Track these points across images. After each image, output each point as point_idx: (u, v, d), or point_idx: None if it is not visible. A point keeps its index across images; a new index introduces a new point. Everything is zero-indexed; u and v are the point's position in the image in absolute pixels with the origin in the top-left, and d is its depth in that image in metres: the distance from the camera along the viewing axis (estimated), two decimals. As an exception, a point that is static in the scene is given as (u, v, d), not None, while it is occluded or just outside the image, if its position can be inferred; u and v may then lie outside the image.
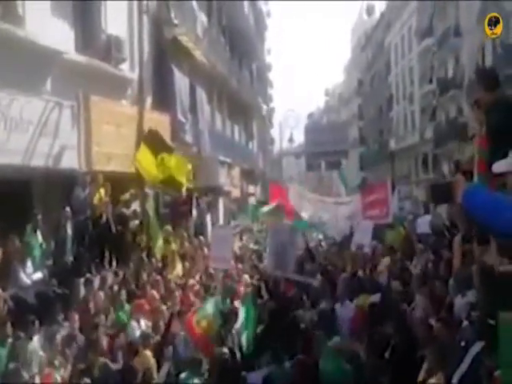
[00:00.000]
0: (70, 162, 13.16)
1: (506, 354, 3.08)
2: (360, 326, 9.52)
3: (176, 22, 20.43)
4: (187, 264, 14.41)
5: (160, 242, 13.98)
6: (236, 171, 32.28)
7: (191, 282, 12.90)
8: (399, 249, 13.72)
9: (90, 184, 13.06)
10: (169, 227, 15.45)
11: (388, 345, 7.54)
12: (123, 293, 11.21)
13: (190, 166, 14.20)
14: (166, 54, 20.25)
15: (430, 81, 47.96)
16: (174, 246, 14.78)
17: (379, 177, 47.89)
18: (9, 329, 8.48)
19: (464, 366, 5.19)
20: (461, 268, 7.98)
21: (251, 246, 20.21)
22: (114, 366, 8.18)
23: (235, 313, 10.94)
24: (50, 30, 12.88)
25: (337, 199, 25.97)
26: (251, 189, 39.87)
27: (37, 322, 8.84)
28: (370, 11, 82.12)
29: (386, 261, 12.86)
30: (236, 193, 32.20)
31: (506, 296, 3.30)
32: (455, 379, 5.18)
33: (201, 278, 13.52)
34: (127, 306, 10.83)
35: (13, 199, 11.45)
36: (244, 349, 9.85)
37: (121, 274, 12.29)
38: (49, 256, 11.88)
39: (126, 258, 13.14)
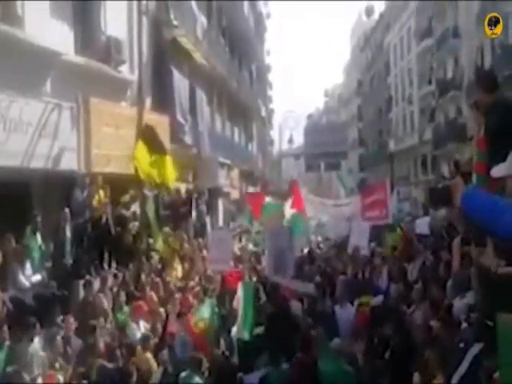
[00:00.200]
0: (70, 163, 13.16)
1: (505, 355, 3.08)
2: (360, 328, 9.55)
3: (175, 23, 20.44)
4: (186, 266, 14.41)
5: (160, 244, 13.98)
6: (235, 172, 32.31)
7: (191, 283, 12.91)
8: (398, 251, 13.74)
9: (89, 186, 13.05)
10: (167, 229, 15.44)
11: (387, 346, 7.55)
12: (122, 294, 11.22)
13: (173, 174, 14.12)
14: (165, 55, 20.26)
15: (429, 82, 48.01)
16: (173, 248, 14.79)
17: (379, 178, 47.86)
18: (6, 332, 8.45)
19: (463, 368, 5.20)
20: (459, 270, 8.00)
21: (250, 246, 20.20)
22: (111, 366, 8.17)
23: (234, 314, 10.97)
24: (50, 32, 12.88)
25: (336, 201, 26.02)
26: (251, 190, 39.87)
27: (38, 324, 8.84)
28: (369, 12, 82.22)
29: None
30: (235, 194, 32.22)
31: (504, 298, 3.31)
32: (454, 381, 5.19)
33: (200, 279, 13.52)
34: (126, 308, 10.84)
35: (12, 201, 11.43)
36: (242, 348, 9.90)
37: (120, 275, 12.29)
38: (48, 258, 11.87)
39: (125, 260, 13.14)
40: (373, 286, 11.99)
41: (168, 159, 13.41)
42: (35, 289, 10.78)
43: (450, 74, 42.78)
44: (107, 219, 13.00)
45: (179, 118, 20.22)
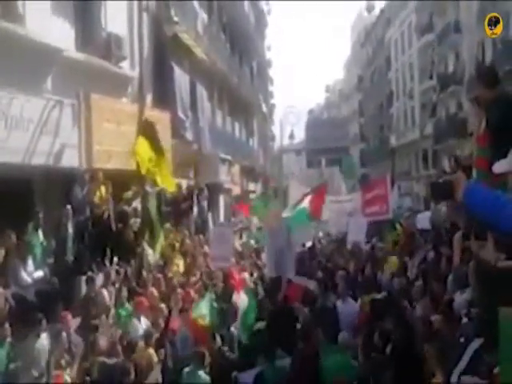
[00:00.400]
0: (71, 160, 13.17)
1: (506, 350, 3.09)
2: (362, 323, 9.57)
3: (176, 19, 20.42)
4: (188, 262, 14.45)
5: (162, 241, 14.00)
6: (236, 168, 32.29)
7: (193, 279, 12.95)
8: (399, 246, 13.77)
9: (88, 182, 13.06)
10: (168, 225, 15.47)
11: (388, 340, 7.56)
12: (124, 290, 11.25)
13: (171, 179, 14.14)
14: (166, 51, 20.25)
15: (430, 77, 47.94)
16: (174, 244, 14.82)
17: (380, 173, 47.87)
18: (7, 329, 8.47)
19: (463, 363, 5.20)
20: (460, 265, 8.01)
21: (252, 242, 20.26)
22: (112, 363, 8.19)
23: (234, 309, 11.03)
24: (50, 28, 12.87)
25: (337, 197, 26.00)
26: (252, 186, 39.88)
27: (44, 320, 8.87)
28: (370, 9, 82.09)
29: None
30: (236, 190, 32.21)
31: (504, 291, 3.32)
32: (454, 377, 5.19)
33: (201, 275, 13.55)
34: (128, 304, 10.87)
35: (13, 198, 11.45)
36: (242, 344, 9.96)
37: (122, 271, 12.32)
38: (50, 254, 11.89)
39: (127, 256, 13.16)
40: (374, 281, 12.01)
41: (166, 161, 13.45)
42: (37, 285, 10.81)
43: (450, 69, 42.72)
44: (109, 215, 13.01)
45: (180, 113, 20.23)
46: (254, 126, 44.97)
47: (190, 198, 18.16)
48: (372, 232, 16.65)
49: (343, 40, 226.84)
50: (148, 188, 13.92)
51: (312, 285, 11.75)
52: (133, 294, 11.27)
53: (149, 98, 18.11)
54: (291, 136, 58.09)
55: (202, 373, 8.38)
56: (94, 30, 15.80)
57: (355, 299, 10.90)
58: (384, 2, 67.91)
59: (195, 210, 18.69)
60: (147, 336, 9.28)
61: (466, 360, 5.11)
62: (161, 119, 17.26)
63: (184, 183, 20.01)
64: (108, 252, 12.98)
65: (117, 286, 11.46)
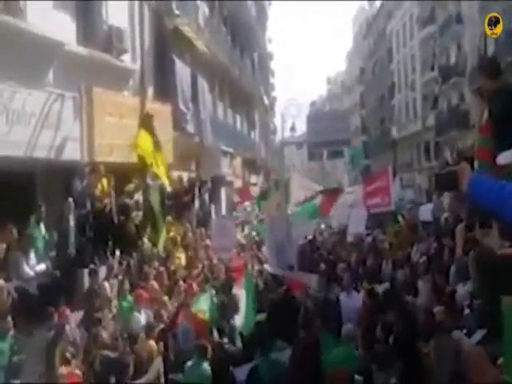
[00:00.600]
0: (73, 153, 13.17)
1: (510, 338, 3.09)
2: (363, 315, 9.59)
3: (177, 12, 20.39)
4: (190, 255, 14.46)
5: (164, 234, 14.02)
6: (238, 161, 32.28)
7: (195, 272, 12.97)
8: (400, 237, 13.78)
9: (88, 175, 13.05)
10: (170, 218, 15.47)
11: (390, 332, 7.58)
12: (127, 283, 11.27)
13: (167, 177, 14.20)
14: (167, 44, 20.22)
15: (432, 68, 47.80)
16: (176, 237, 14.83)
17: (382, 165, 47.80)
18: (10, 322, 8.50)
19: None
20: (462, 256, 8.02)
21: (254, 234, 20.29)
22: (113, 356, 8.21)
23: (235, 301, 11.06)
24: (52, 22, 12.85)
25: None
26: (253, 179, 39.86)
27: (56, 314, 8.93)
28: (371, 1, 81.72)
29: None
30: (238, 183, 32.21)
31: (505, 279, 3.31)
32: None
33: (203, 268, 13.57)
34: (130, 297, 10.89)
35: (15, 191, 11.46)
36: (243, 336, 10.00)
37: (124, 264, 12.34)
38: (52, 247, 11.91)
39: (129, 249, 13.17)
40: (378, 272, 12.02)
41: (162, 157, 13.46)
42: (39, 278, 10.83)
43: (452, 61, 42.58)
44: (111, 208, 13.02)
45: (181, 106, 20.21)
46: (255, 118, 44.91)
47: (191, 191, 18.16)
48: (374, 224, 16.66)
49: (345, 32, 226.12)
50: (149, 181, 13.92)
51: (313, 281, 11.75)
52: (135, 287, 11.30)
53: (150, 91, 18.10)
54: (292, 128, 57.81)
55: (204, 365, 8.41)
56: (96, 24, 15.78)
57: (357, 291, 10.91)
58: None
59: (197, 202, 18.70)
60: (148, 328, 9.30)
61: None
62: (162, 112, 17.26)
63: (185, 176, 20.01)
64: (110, 245, 13.00)
65: (120, 277, 11.48)
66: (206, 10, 26.84)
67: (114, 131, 14.46)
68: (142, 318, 10.14)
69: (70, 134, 13.07)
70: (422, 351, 6.79)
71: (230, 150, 29.61)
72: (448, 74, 42.17)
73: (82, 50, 14.32)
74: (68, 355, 8.10)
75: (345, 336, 8.30)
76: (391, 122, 63.12)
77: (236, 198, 27.17)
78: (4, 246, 10.38)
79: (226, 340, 9.69)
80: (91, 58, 14.57)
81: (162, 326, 9.74)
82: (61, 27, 13.39)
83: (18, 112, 11.47)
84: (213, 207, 21.26)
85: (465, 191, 3.29)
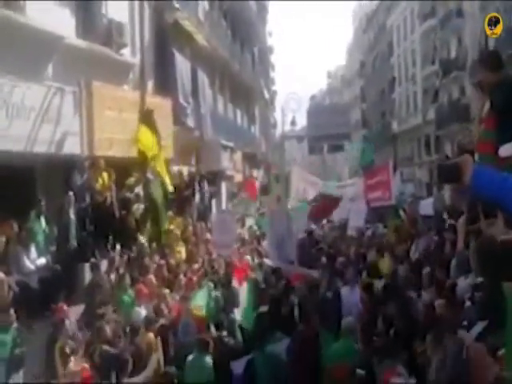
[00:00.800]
0: (73, 147, 13.16)
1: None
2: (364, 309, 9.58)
3: (177, 6, 20.33)
4: (190, 249, 14.47)
5: (166, 227, 14.02)
6: (238, 155, 32.24)
7: (195, 266, 12.97)
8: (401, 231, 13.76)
9: (88, 169, 13.04)
10: (170, 212, 15.46)
11: (391, 325, 7.59)
12: (127, 277, 11.27)
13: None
14: (167, 38, 20.18)
15: (433, 62, 47.73)
16: (177, 231, 14.83)
17: (382, 159, 47.75)
18: (13, 315, 8.51)
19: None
20: (464, 249, 8.01)
21: (255, 228, 20.29)
22: (113, 351, 8.22)
23: (235, 295, 11.07)
24: (51, 16, 12.81)
25: (339, 183, 25.99)
26: (254, 173, 39.82)
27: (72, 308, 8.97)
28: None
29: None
30: (238, 177, 32.18)
31: (507, 267, 3.29)
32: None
33: (203, 262, 13.57)
34: (130, 291, 10.89)
35: (16, 186, 11.46)
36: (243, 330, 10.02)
37: (125, 257, 12.35)
38: (52, 241, 11.92)
39: (129, 243, 13.17)
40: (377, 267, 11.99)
41: (162, 156, 13.51)
42: (40, 272, 10.84)
43: (453, 54, 42.53)
44: (111, 202, 13.01)
45: (181, 100, 20.18)
46: (255, 112, 44.86)
47: (191, 185, 18.16)
48: (374, 218, 16.65)
49: (345, 25, 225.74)
50: (149, 175, 13.91)
51: (314, 274, 11.74)
52: (135, 281, 11.31)
53: (150, 85, 18.07)
54: (293, 122, 57.86)
55: (206, 358, 8.42)
56: (95, 17, 15.74)
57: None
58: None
59: (197, 196, 18.70)
60: (147, 321, 9.30)
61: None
62: (162, 106, 17.24)
63: (185, 170, 20.00)
64: (110, 239, 13.00)
65: (121, 271, 11.48)
66: (206, 3, 26.78)
67: (113, 125, 14.45)
68: (142, 312, 10.14)
69: (69, 129, 13.06)
70: (418, 350, 6.79)
71: (231, 144, 29.57)
72: (448, 67, 42.11)
73: (81, 44, 14.29)
74: (67, 350, 8.11)
75: (344, 330, 8.29)
76: (391, 116, 63.05)
77: (239, 189, 27.09)
78: (3, 238, 10.38)
79: (225, 333, 9.68)
80: (91, 52, 14.54)
81: (161, 320, 9.73)
82: (60, 21, 13.36)
83: (17, 106, 11.46)
84: (213, 201, 21.26)
85: (468, 183, 3.28)
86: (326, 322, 8.88)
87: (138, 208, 13.90)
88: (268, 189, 32.22)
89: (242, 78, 36.00)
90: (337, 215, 21.13)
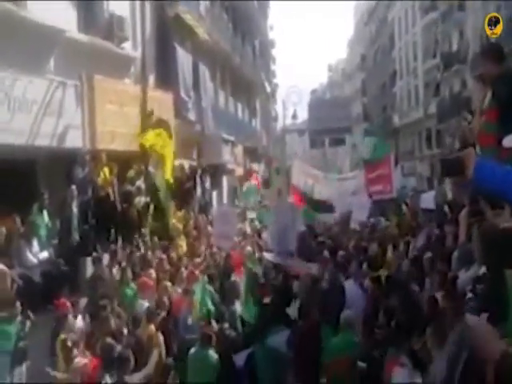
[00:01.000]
0: (75, 141, 13.19)
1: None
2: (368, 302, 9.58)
3: (178, -1, 20.33)
4: (191, 242, 14.49)
5: (171, 221, 14.05)
6: (239, 149, 32.21)
7: (197, 260, 12.98)
8: (404, 224, 13.78)
9: (89, 162, 13.06)
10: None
11: (392, 317, 7.59)
12: (129, 270, 11.28)
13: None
14: (168, 32, 20.16)
15: (434, 55, 47.62)
16: (178, 225, 14.84)
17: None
18: (18, 308, 8.53)
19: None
20: (465, 242, 8.01)
21: (257, 222, 20.29)
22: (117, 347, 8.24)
23: (235, 287, 11.08)
24: (53, 9, 12.81)
25: (340, 175, 25.94)
26: (255, 166, 39.81)
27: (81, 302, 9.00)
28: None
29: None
30: (240, 171, 32.17)
31: (509, 254, 3.30)
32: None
33: (205, 255, 13.59)
34: (133, 284, 10.90)
35: (18, 179, 11.49)
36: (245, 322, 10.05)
37: (127, 251, 12.36)
38: (54, 235, 11.94)
39: (131, 236, 13.19)
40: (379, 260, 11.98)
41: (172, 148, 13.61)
42: (43, 266, 10.87)
43: (454, 48, 42.41)
44: (115, 196, 13.02)
45: (183, 94, 20.18)
46: (256, 106, 44.79)
47: (192, 178, 18.17)
48: (376, 211, 16.65)
49: (346, 19, 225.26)
50: (151, 168, 13.94)
51: (314, 269, 11.73)
52: (137, 275, 11.32)
53: (151, 79, 18.08)
54: (294, 116, 57.91)
55: (210, 351, 8.44)
56: (96, 11, 15.73)
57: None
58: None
59: (198, 190, 18.71)
60: (149, 313, 9.32)
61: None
62: (163, 100, 17.26)
63: (186, 164, 20.00)
64: (112, 232, 13.02)
65: (123, 264, 11.49)
66: (207, -3, 26.75)
67: (115, 119, 14.47)
68: (145, 304, 10.16)
69: (71, 122, 13.08)
70: (415, 347, 6.79)
71: (232, 137, 29.54)
72: (450, 60, 42.02)
73: (83, 38, 14.30)
74: (69, 343, 8.14)
75: (343, 323, 8.28)
76: (393, 110, 62.94)
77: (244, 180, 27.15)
78: (3, 229, 10.40)
79: (226, 325, 9.70)
80: (92, 46, 14.54)
81: (163, 313, 9.75)
82: (62, 15, 13.36)
83: (19, 100, 11.49)
84: (214, 195, 21.28)
85: (470, 177, 3.29)
86: (327, 315, 8.88)
87: (140, 201, 13.91)
88: (269, 182, 32.25)
89: (243, 71, 35.96)
90: (338, 209, 21.13)
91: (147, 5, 17.93)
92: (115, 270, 11.34)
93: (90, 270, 11.47)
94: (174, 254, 13.04)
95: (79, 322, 9.10)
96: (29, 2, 12.13)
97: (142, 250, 12.69)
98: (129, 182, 14.11)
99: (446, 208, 13.04)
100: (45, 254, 11.17)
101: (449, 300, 7.15)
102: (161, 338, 8.86)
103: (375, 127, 68.67)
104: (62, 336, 8.28)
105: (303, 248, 13.44)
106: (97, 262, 11.19)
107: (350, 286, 10.34)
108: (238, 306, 10.69)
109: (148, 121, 14.33)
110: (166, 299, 10.09)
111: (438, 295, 7.48)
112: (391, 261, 11.59)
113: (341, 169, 58.45)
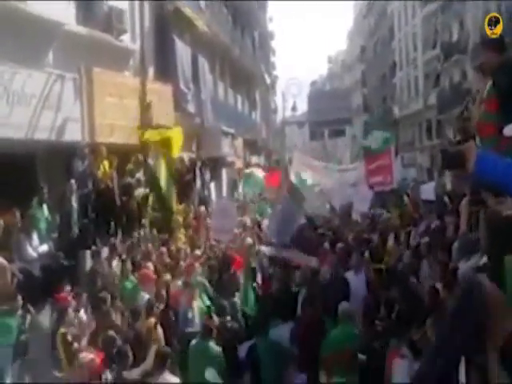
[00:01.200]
0: (74, 134, 13.16)
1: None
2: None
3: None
4: (191, 235, 14.49)
5: (175, 208, 14.05)
6: (239, 141, 32.16)
7: (197, 252, 12.97)
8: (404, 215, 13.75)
9: (89, 156, 13.03)
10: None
11: (393, 309, 7.59)
12: (129, 263, 11.28)
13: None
14: (167, 24, 20.09)
15: (434, 46, 47.48)
16: (179, 217, 14.82)
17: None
18: (19, 301, 8.53)
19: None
20: (466, 232, 7.99)
21: (257, 215, 20.26)
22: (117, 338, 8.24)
23: (236, 279, 11.08)
24: (51, 2, 12.75)
25: (341, 166, 25.92)
26: (254, 159, 39.75)
27: (84, 295, 8.98)
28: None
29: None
30: (239, 163, 32.12)
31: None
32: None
33: (205, 248, 13.58)
34: (133, 277, 10.89)
35: (17, 173, 11.47)
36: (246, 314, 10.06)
37: (127, 244, 12.35)
38: (54, 229, 11.93)
39: (130, 229, 13.17)
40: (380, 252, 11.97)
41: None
42: (42, 260, 10.86)
43: (455, 38, 42.28)
44: (114, 189, 13.00)
45: (182, 86, 20.14)
46: (256, 98, 44.69)
47: (192, 171, 18.13)
48: (377, 202, 16.62)
49: (346, 10, 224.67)
50: (150, 161, 13.90)
51: (313, 262, 11.71)
52: (137, 267, 11.31)
53: (150, 71, 18.03)
54: (294, 108, 57.77)
55: (211, 343, 8.45)
56: (95, 4, 15.68)
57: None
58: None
59: (198, 183, 18.67)
60: (148, 305, 9.31)
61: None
62: (163, 92, 17.22)
63: (186, 156, 19.96)
64: (112, 225, 13.01)
65: (123, 257, 11.47)
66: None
67: (114, 112, 14.44)
68: (146, 297, 10.15)
69: (70, 115, 13.06)
70: (414, 337, 6.79)
71: (231, 130, 29.49)
72: (450, 51, 41.90)
73: (81, 31, 14.26)
74: (69, 337, 8.13)
75: (342, 315, 8.26)
76: (393, 101, 62.82)
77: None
78: (1, 222, 10.38)
79: (228, 318, 9.70)
80: (91, 38, 14.50)
81: (162, 306, 9.74)
82: (60, 8, 13.28)
83: (18, 93, 11.46)
84: (213, 188, 21.25)
85: (471, 169, 3.28)
86: (328, 307, 8.87)
87: (139, 192, 13.88)
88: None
89: (243, 63, 35.87)
90: (337, 201, 21.11)
91: (146, -3, 17.87)
92: (115, 263, 11.34)
93: (89, 263, 11.45)
94: (173, 247, 13.04)
95: (82, 315, 9.08)
96: (27, -6, 12.08)
97: (142, 243, 12.68)
98: (128, 174, 14.07)
99: (446, 199, 13.02)
100: (44, 248, 11.16)
101: (449, 291, 7.14)
102: (160, 331, 8.85)
103: (375, 118, 68.60)
104: (62, 330, 8.27)
105: (302, 240, 13.42)
106: (96, 255, 11.17)
107: (350, 277, 10.32)
108: (237, 299, 10.71)
109: (147, 114, 14.29)
110: (163, 292, 10.08)
111: (438, 285, 7.48)
112: (392, 250, 11.57)
113: (341, 160, 58.46)
